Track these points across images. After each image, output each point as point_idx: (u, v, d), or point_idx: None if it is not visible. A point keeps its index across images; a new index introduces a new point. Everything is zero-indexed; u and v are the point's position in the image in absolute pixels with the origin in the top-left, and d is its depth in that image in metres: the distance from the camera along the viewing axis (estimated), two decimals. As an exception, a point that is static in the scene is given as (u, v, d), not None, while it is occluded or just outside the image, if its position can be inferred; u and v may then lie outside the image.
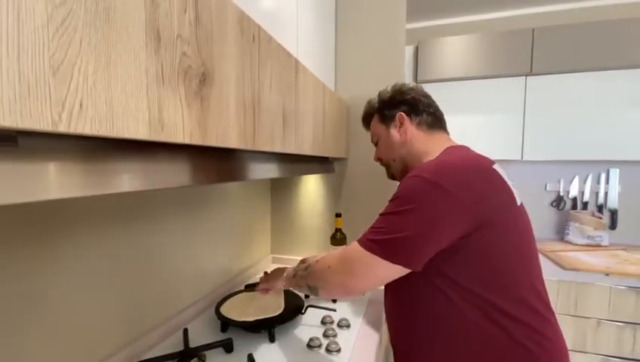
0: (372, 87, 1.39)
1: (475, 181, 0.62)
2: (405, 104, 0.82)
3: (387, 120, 0.84)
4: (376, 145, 0.91)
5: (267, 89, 0.63)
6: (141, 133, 0.35)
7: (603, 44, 1.66)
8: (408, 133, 0.80)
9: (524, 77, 1.80)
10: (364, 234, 0.66)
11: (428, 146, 0.79)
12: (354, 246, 0.66)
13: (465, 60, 1.87)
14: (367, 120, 0.94)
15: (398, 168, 0.85)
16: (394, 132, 0.82)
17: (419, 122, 0.81)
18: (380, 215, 0.66)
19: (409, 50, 1.97)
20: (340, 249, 0.77)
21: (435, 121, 0.82)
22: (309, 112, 0.90)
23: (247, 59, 0.55)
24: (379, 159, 0.92)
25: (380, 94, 0.88)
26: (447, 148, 0.76)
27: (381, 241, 0.61)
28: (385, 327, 1.23)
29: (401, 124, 0.81)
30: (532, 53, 1.76)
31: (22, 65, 0.24)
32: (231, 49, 0.50)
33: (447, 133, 0.84)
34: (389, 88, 0.87)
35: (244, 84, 0.54)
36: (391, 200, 0.65)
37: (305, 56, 1.05)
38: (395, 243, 0.60)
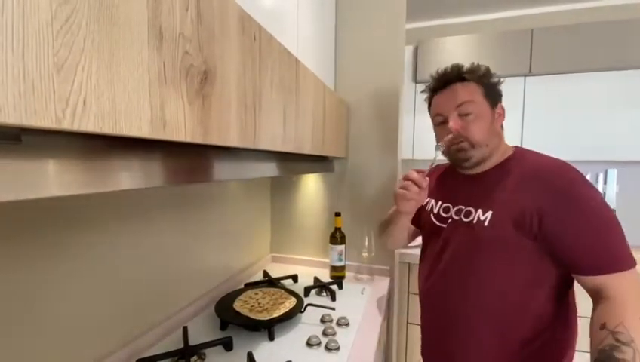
0: (372, 87, 1.40)
1: None
2: (500, 95, 0.82)
3: (492, 101, 0.79)
4: (465, 115, 0.77)
5: (268, 88, 0.63)
6: (144, 131, 0.35)
7: (601, 45, 1.67)
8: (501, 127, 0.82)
9: (522, 77, 1.80)
10: (619, 257, 0.64)
11: (504, 141, 0.84)
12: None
13: (464, 60, 1.84)
14: (470, 75, 0.80)
15: (483, 153, 0.78)
16: (497, 118, 0.80)
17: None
18: (599, 229, 0.66)
19: (409, 50, 1.97)
20: (628, 294, 0.62)
21: None
22: (310, 112, 0.91)
23: (248, 58, 0.55)
24: (458, 132, 0.77)
25: (475, 68, 0.82)
26: (517, 146, 0.85)
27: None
28: (384, 325, 1.23)
29: (500, 115, 0.81)
30: (531, 53, 1.76)
31: (26, 63, 0.24)
32: (232, 48, 0.50)
33: None
34: (481, 66, 0.83)
35: (245, 82, 0.54)
36: (590, 212, 0.67)
37: (305, 55, 1.05)
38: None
